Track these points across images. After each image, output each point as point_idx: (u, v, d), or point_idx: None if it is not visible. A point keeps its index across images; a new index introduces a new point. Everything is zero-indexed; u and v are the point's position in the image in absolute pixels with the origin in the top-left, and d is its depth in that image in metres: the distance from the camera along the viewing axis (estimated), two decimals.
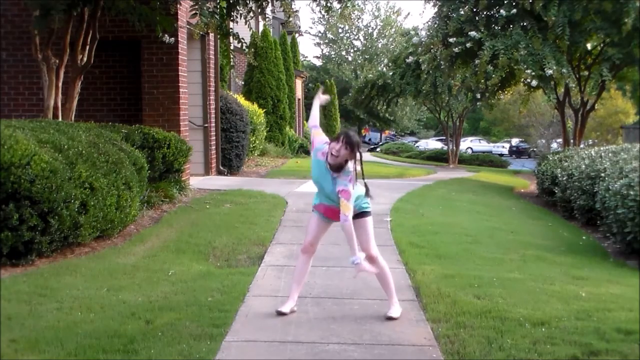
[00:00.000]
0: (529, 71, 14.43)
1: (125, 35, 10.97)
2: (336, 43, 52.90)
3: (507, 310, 4.82)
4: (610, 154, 10.53)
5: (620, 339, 4.27)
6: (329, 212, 4.78)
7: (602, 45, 15.78)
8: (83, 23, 9.14)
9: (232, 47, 12.77)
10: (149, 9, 9.25)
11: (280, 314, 4.71)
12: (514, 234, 8.74)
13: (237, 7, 10.35)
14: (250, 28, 10.96)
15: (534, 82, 15.91)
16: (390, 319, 4.67)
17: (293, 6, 11.44)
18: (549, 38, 14.35)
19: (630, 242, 7.46)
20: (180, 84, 11.25)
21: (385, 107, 28.56)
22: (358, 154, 4.58)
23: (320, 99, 5.23)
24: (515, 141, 44.80)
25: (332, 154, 4.52)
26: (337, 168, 4.56)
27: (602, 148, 12.36)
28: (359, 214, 4.74)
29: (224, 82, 17.97)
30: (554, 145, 29.04)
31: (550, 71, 14.07)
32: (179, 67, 11.22)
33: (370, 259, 4.77)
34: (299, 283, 4.89)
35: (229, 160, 14.57)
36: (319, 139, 4.83)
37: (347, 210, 4.53)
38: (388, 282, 4.85)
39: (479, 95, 22.44)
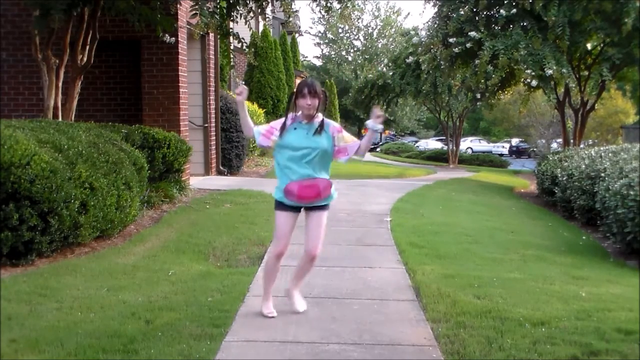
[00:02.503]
0: (529, 71, 14.42)
1: (125, 35, 10.97)
2: (336, 43, 52.92)
3: (507, 310, 4.82)
4: (610, 154, 10.52)
5: (620, 339, 4.27)
6: (304, 190, 4.48)
7: (602, 45, 15.77)
8: (83, 23, 9.15)
9: (232, 47, 12.76)
10: (149, 9, 9.25)
11: (272, 317, 4.66)
12: (514, 234, 8.73)
13: (237, 7, 10.35)
14: (250, 28, 10.95)
15: (534, 82, 15.90)
16: (297, 312, 4.70)
17: (293, 6, 11.42)
18: (549, 38, 14.35)
19: (630, 242, 7.46)
20: (180, 84, 11.25)
21: (385, 107, 28.55)
22: (323, 98, 4.53)
23: (241, 95, 4.58)
24: (515, 141, 44.78)
25: (305, 107, 4.46)
26: (310, 118, 4.53)
27: (602, 148, 12.36)
28: (321, 207, 4.63)
29: (224, 82, 17.97)
30: (554, 145, 29.01)
31: (550, 71, 14.07)
32: (179, 67, 11.22)
33: (314, 257, 4.69)
34: (272, 282, 4.80)
35: (229, 160, 14.58)
36: (272, 125, 4.63)
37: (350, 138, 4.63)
38: (305, 276, 4.86)
39: (479, 95, 22.45)
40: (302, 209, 4.68)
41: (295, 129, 4.55)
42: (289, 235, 4.67)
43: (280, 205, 4.66)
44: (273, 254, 4.76)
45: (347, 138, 4.64)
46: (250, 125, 4.65)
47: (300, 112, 4.56)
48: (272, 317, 4.66)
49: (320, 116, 4.59)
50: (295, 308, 4.77)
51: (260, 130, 4.63)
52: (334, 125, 4.63)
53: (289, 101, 4.65)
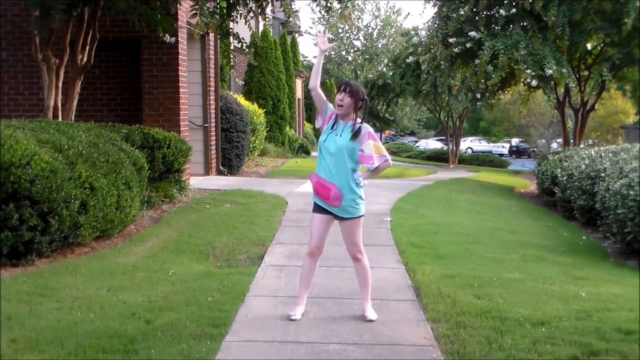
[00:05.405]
0: (529, 71, 14.44)
1: (125, 35, 10.97)
2: (336, 43, 52.87)
3: (507, 310, 4.82)
4: (610, 154, 10.52)
5: (620, 339, 4.27)
6: (318, 186, 4.61)
7: (602, 45, 15.78)
8: (83, 23, 9.15)
9: (232, 47, 12.76)
10: (149, 9, 9.25)
11: (292, 319, 4.63)
12: (514, 234, 8.74)
13: (237, 7, 10.36)
14: (250, 28, 10.96)
15: (534, 82, 15.91)
16: (370, 321, 4.64)
17: (293, 6, 11.44)
18: (549, 38, 14.36)
19: (630, 242, 7.46)
20: (180, 84, 11.24)
21: (385, 107, 28.54)
22: (361, 101, 4.62)
23: (323, 46, 4.70)
24: (515, 141, 44.83)
25: (337, 105, 4.59)
26: (343, 117, 4.63)
27: (602, 148, 12.36)
28: (353, 218, 4.70)
29: (224, 82, 17.97)
30: (554, 145, 29.05)
31: (550, 71, 14.08)
32: (179, 67, 11.22)
33: (355, 258, 4.78)
34: (306, 286, 4.83)
35: (229, 160, 14.57)
36: (329, 115, 4.73)
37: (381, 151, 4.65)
38: (368, 282, 4.80)
39: (479, 95, 22.43)
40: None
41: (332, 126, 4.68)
42: (321, 236, 4.72)
43: (314, 207, 4.74)
44: (306, 253, 4.82)
45: (375, 148, 4.64)
46: (318, 79, 4.66)
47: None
48: (294, 319, 4.62)
49: (358, 121, 4.64)
50: (367, 317, 4.70)
51: (328, 109, 4.70)
52: (368, 130, 4.65)
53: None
